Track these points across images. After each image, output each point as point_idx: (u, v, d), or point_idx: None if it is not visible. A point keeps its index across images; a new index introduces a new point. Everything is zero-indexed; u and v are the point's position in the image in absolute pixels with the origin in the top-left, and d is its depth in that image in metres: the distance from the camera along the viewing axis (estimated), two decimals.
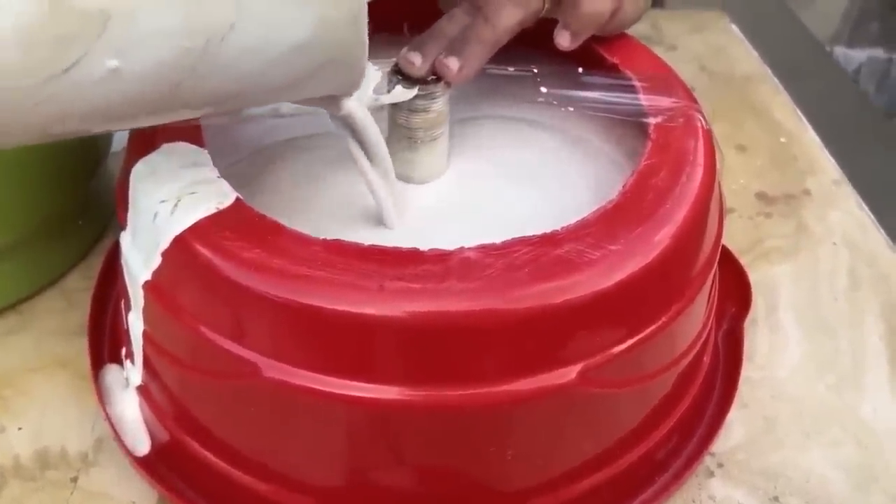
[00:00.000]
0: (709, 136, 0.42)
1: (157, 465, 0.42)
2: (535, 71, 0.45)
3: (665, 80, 0.45)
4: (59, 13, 0.27)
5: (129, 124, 0.34)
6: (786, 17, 0.88)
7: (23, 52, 0.27)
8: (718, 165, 0.42)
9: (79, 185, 0.52)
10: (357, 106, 0.38)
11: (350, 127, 0.39)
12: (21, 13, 0.27)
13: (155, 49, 0.29)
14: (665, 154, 0.40)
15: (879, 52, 1.15)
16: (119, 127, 0.34)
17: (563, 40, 0.43)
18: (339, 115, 0.38)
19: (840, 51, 1.15)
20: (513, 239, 0.35)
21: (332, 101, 0.37)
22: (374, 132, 0.39)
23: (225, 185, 0.37)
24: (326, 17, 0.31)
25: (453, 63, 0.41)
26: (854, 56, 1.15)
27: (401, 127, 0.43)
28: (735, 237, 0.56)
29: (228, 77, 0.31)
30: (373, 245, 0.35)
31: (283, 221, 0.36)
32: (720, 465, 0.44)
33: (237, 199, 0.37)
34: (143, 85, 0.30)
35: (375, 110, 0.39)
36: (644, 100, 0.43)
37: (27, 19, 0.27)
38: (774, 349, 0.50)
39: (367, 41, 0.33)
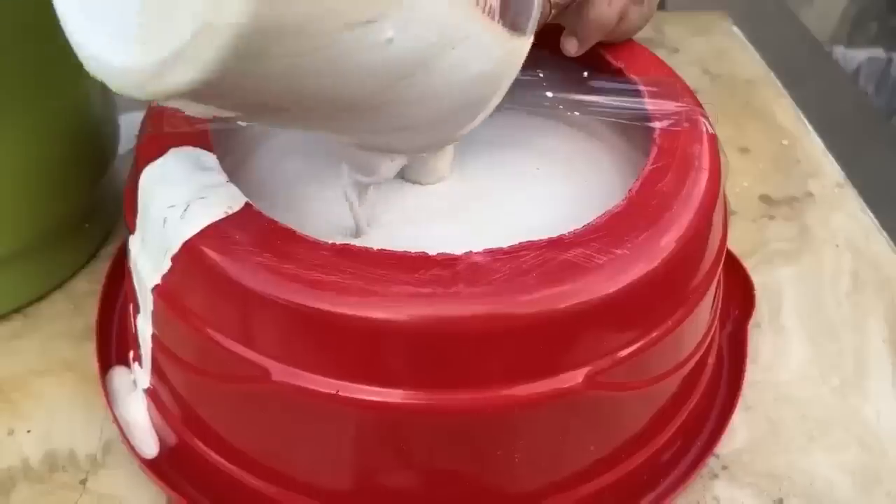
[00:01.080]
0: (714, 140, 0.42)
1: (165, 467, 0.42)
2: (541, 75, 0.46)
3: (670, 84, 0.45)
4: None
5: (328, 119, 0.35)
6: (786, 17, 0.88)
7: None
8: (723, 170, 0.42)
9: (86, 188, 0.52)
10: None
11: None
12: None
13: (421, 34, 0.30)
14: (670, 159, 0.40)
15: (879, 52, 1.15)
16: (312, 122, 0.36)
17: (570, 46, 0.43)
18: (369, 180, 0.41)
19: (839, 51, 1.15)
20: (520, 243, 0.35)
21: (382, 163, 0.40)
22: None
23: (234, 190, 0.38)
24: (503, 57, 0.35)
25: None
26: (853, 56, 1.15)
27: None
28: (738, 240, 0.56)
29: (424, 89, 0.33)
30: (382, 249, 0.35)
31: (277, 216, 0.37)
32: (725, 468, 0.44)
33: (246, 204, 0.37)
34: (386, 66, 0.31)
35: None
36: (649, 104, 0.43)
37: None
38: (778, 352, 0.50)
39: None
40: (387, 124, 0.36)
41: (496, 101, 0.37)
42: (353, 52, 0.29)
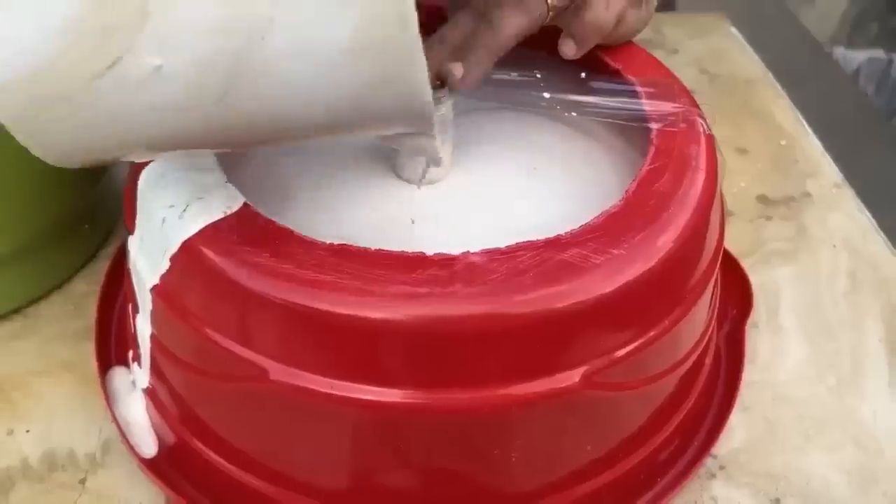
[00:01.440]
0: (711, 140, 0.42)
1: (164, 466, 0.42)
2: (539, 76, 0.46)
3: (667, 85, 0.45)
4: (104, 4, 0.27)
5: (180, 146, 0.34)
6: (786, 19, 0.89)
7: (70, 43, 0.27)
8: (720, 170, 0.42)
9: (86, 189, 0.52)
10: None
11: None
12: (70, 3, 0.27)
13: (194, 45, 0.28)
14: (667, 159, 0.40)
15: (879, 53, 1.15)
16: (169, 149, 0.34)
17: (568, 49, 0.43)
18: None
19: (839, 52, 1.15)
20: (517, 243, 0.35)
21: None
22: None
23: (232, 190, 0.38)
24: (368, 16, 0.28)
25: (457, 69, 0.41)
26: (854, 57, 1.15)
27: None
28: (736, 240, 0.56)
29: (274, 90, 0.30)
30: (379, 249, 0.35)
31: (282, 217, 0.37)
32: (722, 468, 0.44)
33: (245, 204, 0.37)
34: (188, 91, 0.29)
35: None
36: (646, 105, 0.43)
37: (75, 10, 0.27)
38: (775, 352, 0.50)
39: (422, 57, 0.29)
40: (319, 129, 0.33)
41: (414, 61, 0.29)
42: (126, 94, 0.29)
